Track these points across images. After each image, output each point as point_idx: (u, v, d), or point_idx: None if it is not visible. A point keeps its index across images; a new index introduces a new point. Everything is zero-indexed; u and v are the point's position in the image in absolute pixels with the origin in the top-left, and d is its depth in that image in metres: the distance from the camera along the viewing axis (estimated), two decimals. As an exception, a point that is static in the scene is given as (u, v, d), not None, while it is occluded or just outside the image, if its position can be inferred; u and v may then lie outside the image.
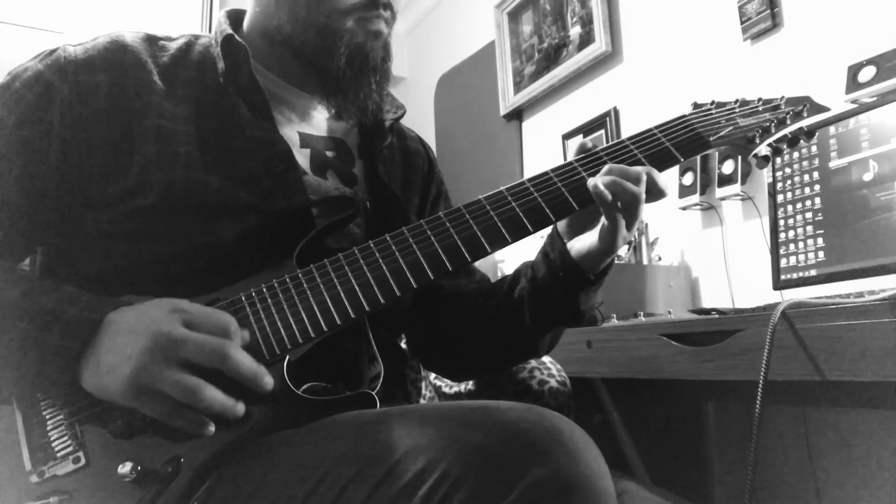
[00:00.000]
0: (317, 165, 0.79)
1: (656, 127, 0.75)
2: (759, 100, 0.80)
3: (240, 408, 0.57)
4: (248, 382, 0.56)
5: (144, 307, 0.58)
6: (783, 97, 0.80)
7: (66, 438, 0.60)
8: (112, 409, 0.59)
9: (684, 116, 0.77)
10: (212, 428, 0.57)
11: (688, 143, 0.73)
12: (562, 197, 0.69)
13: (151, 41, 0.77)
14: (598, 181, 0.66)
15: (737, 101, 0.80)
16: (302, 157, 0.78)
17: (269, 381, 0.57)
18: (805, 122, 0.77)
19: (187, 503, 0.57)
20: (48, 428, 0.61)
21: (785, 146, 0.77)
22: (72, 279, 0.66)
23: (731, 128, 0.76)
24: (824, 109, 0.79)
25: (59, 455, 0.59)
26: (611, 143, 0.74)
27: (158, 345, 0.54)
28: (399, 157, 0.90)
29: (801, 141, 0.78)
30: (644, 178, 0.68)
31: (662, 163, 0.72)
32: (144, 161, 0.68)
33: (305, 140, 0.80)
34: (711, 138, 0.74)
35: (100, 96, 0.69)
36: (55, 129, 0.67)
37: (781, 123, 0.76)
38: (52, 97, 0.68)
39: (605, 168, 0.69)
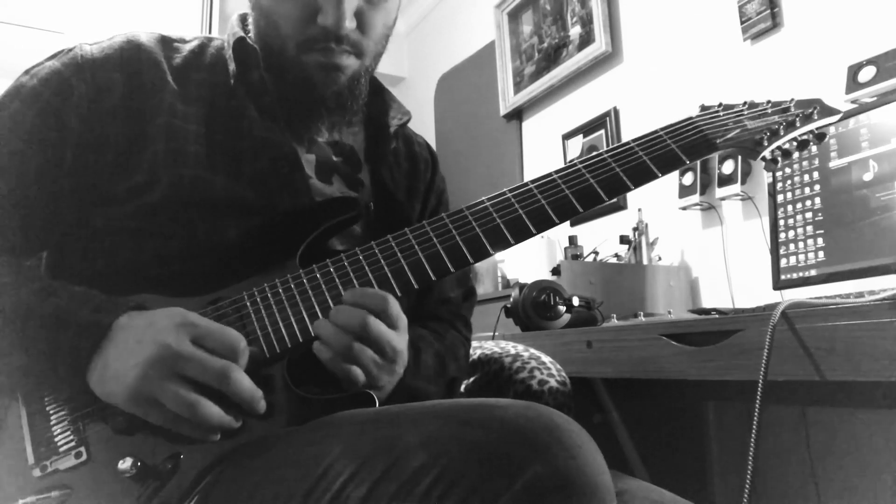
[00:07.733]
0: (322, 169, 0.79)
1: (662, 129, 0.74)
2: (768, 102, 0.79)
3: (237, 424, 0.58)
4: (245, 406, 0.58)
5: (154, 316, 0.58)
6: (793, 99, 0.78)
7: (68, 434, 0.60)
8: (114, 406, 0.59)
9: (691, 118, 0.76)
10: (216, 436, 0.58)
11: (694, 145, 0.72)
12: (565, 199, 0.69)
13: (165, 42, 0.77)
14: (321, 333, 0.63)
15: (745, 102, 0.79)
16: (307, 161, 0.78)
17: (263, 405, 0.59)
18: (815, 125, 0.76)
19: (186, 500, 0.57)
20: (51, 423, 0.61)
21: (795, 149, 0.76)
22: (77, 276, 0.66)
23: (738, 130, 0.75)
24: (835, 112, 0.77)
25: (61, 450, 0.60)
26: (614, 145, 0.74)
27: (163, 357, 0.55)
28: (405, 162, 0.90)
29: (811, 144, 0.76)
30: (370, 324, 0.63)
31: (667, 165, 0.71)
32: (154, 158, 0.68)
33: (312, 144, 0.80)
34: (718, 140, 0.73)
35: (115, 94, 0.70)
36: (71, 126, 0.68)
37: (791, 126, 0.75)
38: (69, 94, 0.68)
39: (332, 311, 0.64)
